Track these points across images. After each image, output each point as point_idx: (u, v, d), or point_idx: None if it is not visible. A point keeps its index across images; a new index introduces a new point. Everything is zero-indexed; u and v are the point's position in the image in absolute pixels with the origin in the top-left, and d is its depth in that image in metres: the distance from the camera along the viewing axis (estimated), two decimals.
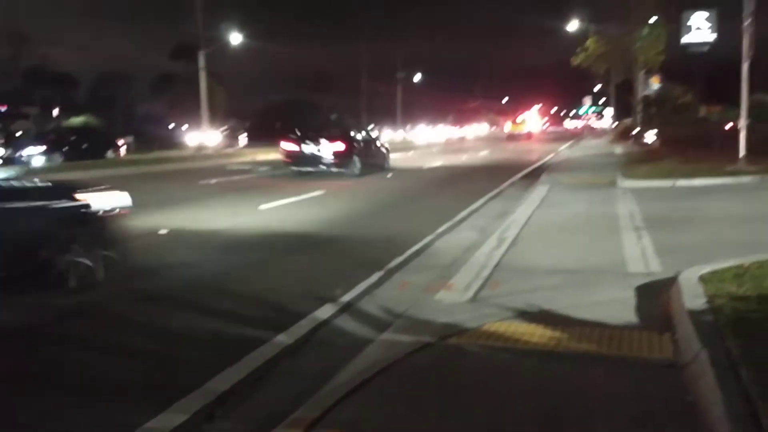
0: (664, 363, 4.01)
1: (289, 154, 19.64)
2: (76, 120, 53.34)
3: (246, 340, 4.61)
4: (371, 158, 20.45)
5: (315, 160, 19.08)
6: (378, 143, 22.36)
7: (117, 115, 58.38)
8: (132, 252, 7.09)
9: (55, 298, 5.75)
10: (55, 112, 56.86)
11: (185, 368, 4.25)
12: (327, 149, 19.11)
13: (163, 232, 9.38)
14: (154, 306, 5.73)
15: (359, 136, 20.85)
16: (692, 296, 4.79)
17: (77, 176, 18.95)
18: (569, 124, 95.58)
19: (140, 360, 4.44)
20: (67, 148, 25.92)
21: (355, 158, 19.27)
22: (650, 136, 35.12)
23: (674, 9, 33.03)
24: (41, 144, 25.54)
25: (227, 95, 60.00)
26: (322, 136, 19.38)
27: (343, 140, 19.40)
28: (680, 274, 5.50)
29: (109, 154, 27.88)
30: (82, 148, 26.50)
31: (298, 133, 19.86)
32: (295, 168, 19.34)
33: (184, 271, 7.04)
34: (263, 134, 49.81)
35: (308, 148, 19.26)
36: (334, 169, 18.90)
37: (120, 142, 30.41)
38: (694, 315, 4.38)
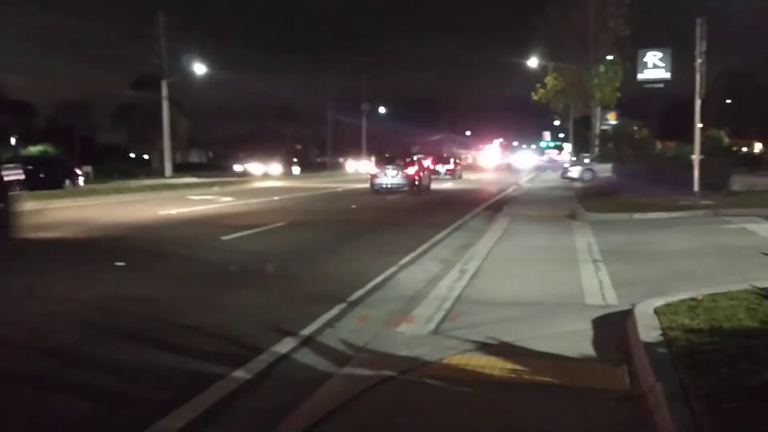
0: (620, 395, 4.05)
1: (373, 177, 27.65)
2: (34, 149, 52.32)
3: (202, 376, 4.52)
4: None
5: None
6: None
7: (76, 144, 57.46)
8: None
9: None
10: (13, 140, 55.68)
11: (139, 405, 4.14)
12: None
13: (119, 264, 9.20)
14: (107, 338, 5.59)
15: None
16: (647, 328, 4.88)
17: (34, 206, 18.56)
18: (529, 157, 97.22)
19: (91, 396, 4.32)
20: (24, 177, 25.30)
21: None
22: (575, 171, 36.72)
23: (630, 48, 34.21)
24: None
25: (190, 125, 59.65)
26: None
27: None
28: (636, 307, 5.59)
29: (67, 183, 27.30)
30: (40, 177, 25.89)
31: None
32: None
33: (137, 303, 6.90)
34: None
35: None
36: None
37: (78, 171, 29.84)
38: (649, 347, 4.46)
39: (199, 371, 4.68)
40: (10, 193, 11.41)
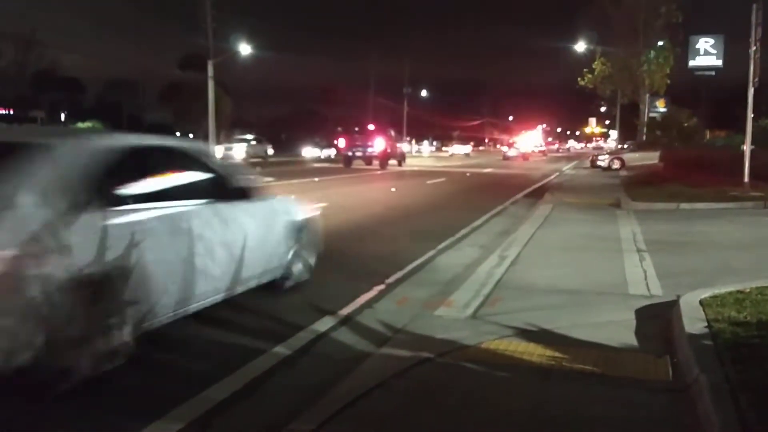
0: (662, 386, 3.99)
1: None
2: (83, 125, 53.67)
3: (243, 350, 4.61)
4: None
5: None
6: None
7: (123, 122, 58.75)
8: None
9: None
10: (62, 116, 57.21)
11: (182, 376, 4.25)
12: None
13: None
14: None
15: None
16: (692, 320, 4.78)
17: None
18: (574, 144, 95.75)
19: (134, 366, 4.44)
20: None
21: None
22: (605, 160, 35.89)
23: (682, 33, 33.32)
24: None
25: (233, 105, 60.37)
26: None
27: None
28: (681, 298, 5.48)
29: None
30: None
31: None
32: None
33: None
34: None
35: None
36: None
37: None
38: (694, 339, 4.37)
39: (242, 345, 4.77)
40: None
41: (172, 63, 57.81)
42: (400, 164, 37.30)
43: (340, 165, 35.78)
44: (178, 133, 54.22)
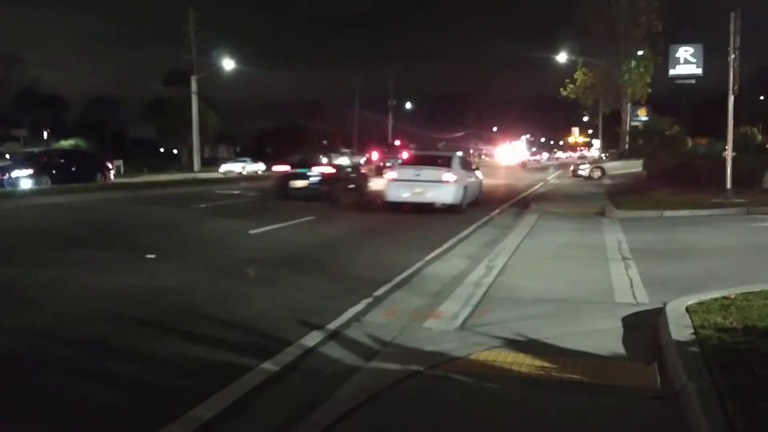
0: (651, 394, 4.01)
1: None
2: (66, 143, 53.29)
3: (231, 367, 4.57)
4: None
5: None
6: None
7: (107, 139, 58.41)
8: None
9: None
10: (45, 134, 56.76)
11: (170, 394, 4.21)
12: None
13: (150, 256, 9.32)
14: (137, 330, 5.67)
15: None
16: (679, 327, 4.81)
17: (66, 200, 18.91)
18: (557, 154, 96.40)
19: (123, 385, 4.39)
20: (55, 171, 25.76)
21: None
22: (585, 170, 36.18)
23: (662, 43, 33.74)
24: (29, 167, 25.35)
25: (218, 120, 60.24)
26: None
27: None
28: (667, 305, 5.52)
29: (99, 177, 27.73)
30: (71, 171, 26.33)
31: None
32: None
33: (167, 294, 6.99)
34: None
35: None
36: None
37: (109, 165, 30.28)
38: (681, 346, 4.40)
39: (229, 362, 4.73)
40: None
41: (155, 79, 57.63)
42: None
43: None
44: (162, 149, 54.05)
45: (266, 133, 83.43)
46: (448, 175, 16.17)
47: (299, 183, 19.51)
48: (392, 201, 16.67)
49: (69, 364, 4.81)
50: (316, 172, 19.54)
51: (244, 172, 43.75)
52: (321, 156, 21.23)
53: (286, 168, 20.29)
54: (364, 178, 23.23)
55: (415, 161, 18.19)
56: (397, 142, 50.02)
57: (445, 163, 16.86)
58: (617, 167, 34.73)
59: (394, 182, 16.79)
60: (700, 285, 6.54)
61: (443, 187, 16.08)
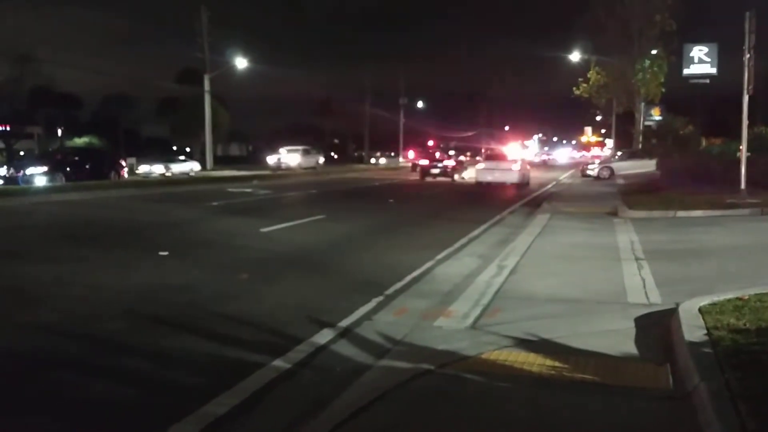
0: (662, 394, 3.99)
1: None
2: (80, 140, 53.70)
3: (243, 364, 4.59)
4: None
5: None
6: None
7: (120, 137, 58.76)
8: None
9: None
10: (59, 132, 57.20)
11: (182, 391, 4.23)
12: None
13: (163, 253, 9.37)
14: (150, 326, 5.71)
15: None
16: (692, 328, 4.78)
17: (80, 197, 19.06)
18: (570, 154, 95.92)
19: (135, 381, 4.42)
20: (69, 168, 25.97)
21: None
22: (594, 170, 35.79)
23: (676, 42, 33.46)
24: (43, 164, 25.58)
25: (230, 118, 60.44)
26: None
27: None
28: (680, 306, 5.48)
29: (112, 175, 27.93)
30: (85, 169, 26.53)
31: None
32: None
33: (180, 292, 7.04)
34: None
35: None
36: None
37: (123, 163, 30.48)
38: (694, 347, 4.37)
39: (240, 359, 4.76)
40: None
41: (169, 77, 57.85)
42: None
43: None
44: (174, 147, 54.26)
45: (278, 131, 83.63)
46: (515, 166, 28.19)
47: (435, 170, 33.57)
48: (481, 181, 28.05)
49: (81, 360, 4.85)
50: (444, 163, 34.48)
51: (169, 174, 35.12)
52: (444, 155, 38.79)
53: (426, 161, 35.31)
54: (461, 166, 37.22)
55: (494, 157, 31.36)
56: (431, 143, 57.28)
57: (513, 159, 29.44)
58: (626, 167, 34.21)
59: (483, 170, 28.89)
60: (714, 286, 6.49)
61: (512, 173, 27.68)
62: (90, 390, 4.26)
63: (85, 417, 3.85)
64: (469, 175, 33.76)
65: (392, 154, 71.25)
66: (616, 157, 40.57)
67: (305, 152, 47.86)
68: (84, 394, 4.18)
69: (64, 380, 4.45)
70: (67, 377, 4.51)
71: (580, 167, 43.10)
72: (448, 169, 33.79)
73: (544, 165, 65.63)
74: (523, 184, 27.51)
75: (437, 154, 38.98)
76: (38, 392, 4.24)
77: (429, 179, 32.90)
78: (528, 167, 31.11)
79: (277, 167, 43.85)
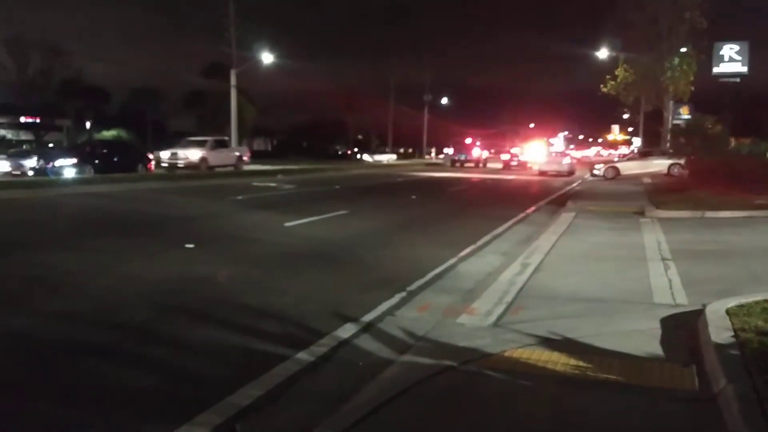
0: (688, 396, 3.94)
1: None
2: (108, 133, 54.38)
3: (266, 356, 4.64)
4: None
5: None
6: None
7: (147, 130, 59.41)
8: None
9: None
10: (88, 124, 57.99)
11: (206, 381, 4.29)
12: None
13: (189, 246, 9.48)
14: (175, 317, 5.79)
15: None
16: (718, 329, 4.72)
17: (108, 189, 19.33)
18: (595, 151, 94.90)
19: (160, 370, 4.49)
20: (98, 160, 26.34)
21: None
22: (600, 170, 35.06)
23: (705, 40, 32.91)
24: (72, 156, 25.96)
25: (256, 112, 60.79)
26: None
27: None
28: (707, 307, 5.41)
29: (140, 168, 28.27)
30: (113, 161, 26.88)
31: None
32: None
33: (205, 283, 7.12)
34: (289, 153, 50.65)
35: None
36: None
37: (150, 156, 30.81)
38: (721, 348, 4.31)
39: (264, 351, 4.81)
40: None
41: (197, 72, 58.35)
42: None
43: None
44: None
45: (301, 126, 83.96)
46: (566, 159, 40.30)
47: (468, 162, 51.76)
48: (542, 171, 38.59)
49: (109, 348, 4.93)
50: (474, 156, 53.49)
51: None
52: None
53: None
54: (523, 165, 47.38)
55: (553, 154, 45.37)
56: (469, 140, 61.64)
57: (564, 154, 44.95)
58: (632, 167, 33.24)
59: (544, 163, 40.06)
60: (742, 287, 6.38)
61: (564, 166, 38.61)
62: (117, 378, 4.34)
63: (112, 404, 3.92)
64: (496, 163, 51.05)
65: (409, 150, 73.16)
66: (618, 157, 40.45)
67: (216, 145, 35.15)
68: (111, 382, 4.26)
69: (92, 368, 4.53)
70: (96, 365, 4.59)
71: (590, 167, 42.63)
72: (480, 161, 52.54)
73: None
74: (571, 173, 37.61)
75: (474, 149, 56.21)
76: (67, 379, 4.32)
77: (458, 169, 46.93)
78: (575, 162, 42.17)
79: (173, 165, 32.24)
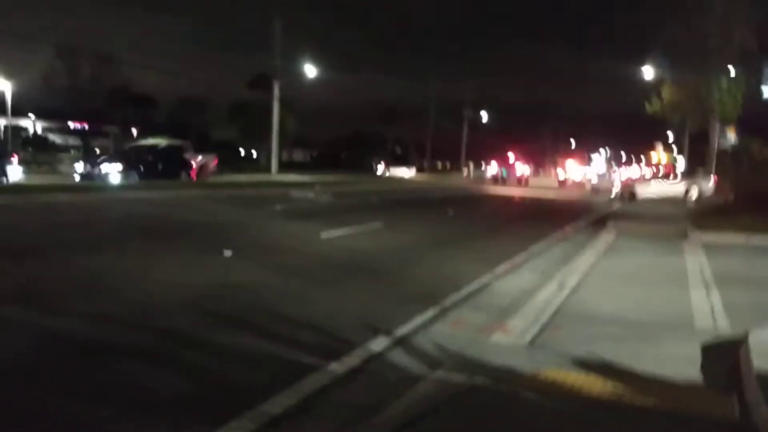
0: (728, 425, 3.83)
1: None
2: (153, 140, 55.50)
3: (298, 366, 4.66)
4: None
5: None
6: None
7: (192, 139, 60.51)
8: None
9: None
10: (134, 132, 59.38)
11: (239, 388, 4.32)
12: None
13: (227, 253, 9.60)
14: (211, 323, 5.86)
15: None
16: (762, 357, 4.57)
17: (151, 196, 19.73)
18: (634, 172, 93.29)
19: (194, 375, 4.54)
20: (143, 166, 26.90)
21: None
22: (617, 191, 34.14)
23: (756, 61, 32.17)
24: (119, 162, 26.56)
25: (297, 124, 61.47)
26: None
27: None
28: (750, 334, 5.25)
29: (182, 175, 28.77)
30: (158, 168, 27.42)
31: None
32: None
33: (242, 292, 7.19)
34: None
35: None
36: None
37: (193, 164, 31.30)
38: (763, 377, 4.18)
39: (297, 361, 4.82)
40: None
41: (242, 83, 59.32)
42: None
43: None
44: (242, 151, 55.52)
45: (340, 138, 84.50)
46: (614, 176, 44.66)
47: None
48: (594, 185, 42.43)
49: (145, 351, 5.01)
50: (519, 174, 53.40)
51: None
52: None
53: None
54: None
55: (604, 172, 56.55)
56: (511, 154, 60.34)
57: (613, 170, 55.61)
58: (650, 190, 32.42)
59: (596, 183, 43.59)
60: None
61: (615, 180, 39.15)
62: (151, 380, 4.40)
63: (147, 406, 3.98)
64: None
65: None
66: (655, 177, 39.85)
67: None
68: (147, 385, 4.33)
69: (129, 370, 4.61)
70: (132, 368, 4.67)
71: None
72: (523, 179, 51.77)
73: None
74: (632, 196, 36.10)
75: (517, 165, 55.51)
76: (105, 381, 4.40)
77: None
78: (631, 182, 41.50)
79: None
